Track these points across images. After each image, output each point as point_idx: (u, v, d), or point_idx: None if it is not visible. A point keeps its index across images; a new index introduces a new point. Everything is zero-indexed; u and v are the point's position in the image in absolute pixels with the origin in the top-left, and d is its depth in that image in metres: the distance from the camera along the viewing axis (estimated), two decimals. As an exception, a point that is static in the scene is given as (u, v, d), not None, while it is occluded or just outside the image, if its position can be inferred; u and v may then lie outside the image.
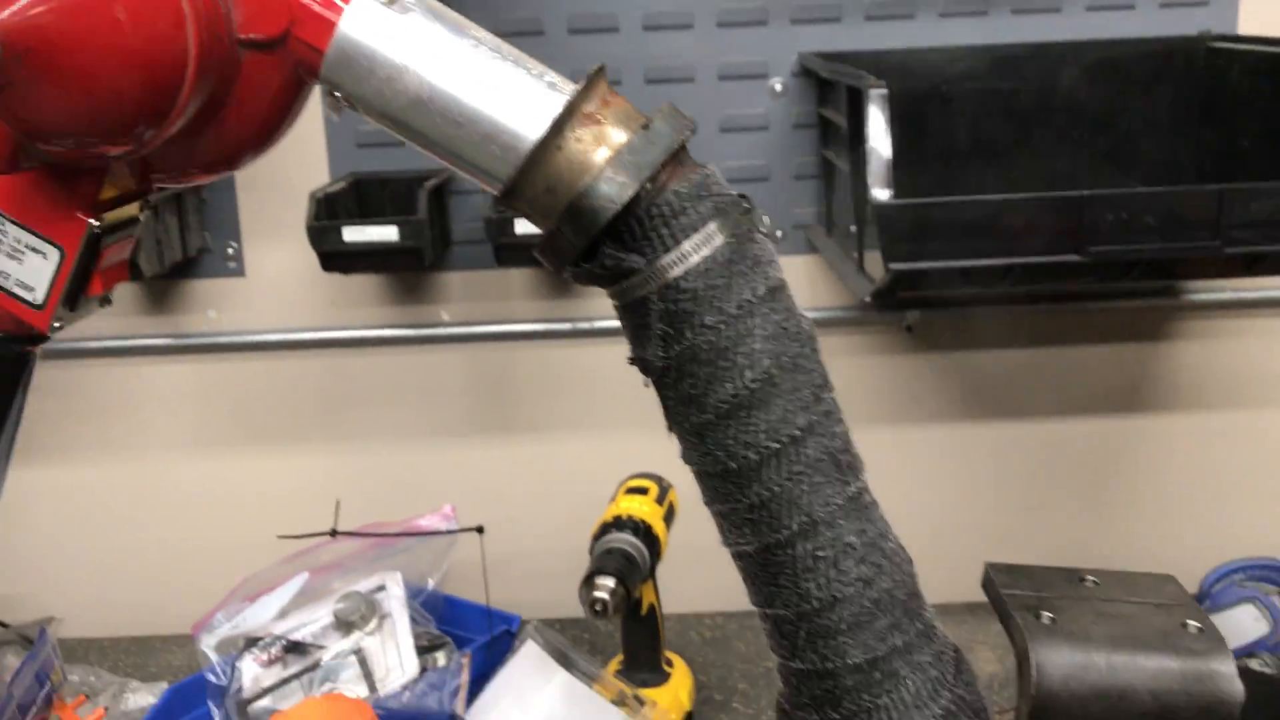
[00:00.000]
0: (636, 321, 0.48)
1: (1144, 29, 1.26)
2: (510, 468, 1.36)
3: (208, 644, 1.08)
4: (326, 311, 1.33)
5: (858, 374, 1.33)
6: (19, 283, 0.53)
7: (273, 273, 1.32)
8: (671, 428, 0.51)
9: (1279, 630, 1.02)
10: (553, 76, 0.47)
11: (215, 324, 1.33)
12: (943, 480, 1.37)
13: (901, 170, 1.17)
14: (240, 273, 1.32)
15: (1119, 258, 0.94)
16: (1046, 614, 0.56)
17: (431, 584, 1.16)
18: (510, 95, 0.45)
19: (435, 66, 0.47)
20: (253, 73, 0.50)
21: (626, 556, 0.98)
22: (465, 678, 1.06)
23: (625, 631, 1.08)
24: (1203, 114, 1.25)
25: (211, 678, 1.06)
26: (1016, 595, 0.58)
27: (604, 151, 0.46)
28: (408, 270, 1.28)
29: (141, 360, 1.33)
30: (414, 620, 1.09)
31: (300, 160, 1.28)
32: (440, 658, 1.07)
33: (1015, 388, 1.34)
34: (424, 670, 1.05)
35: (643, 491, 1.09)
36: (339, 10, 0.48)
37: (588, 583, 0.95)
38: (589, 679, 1.07)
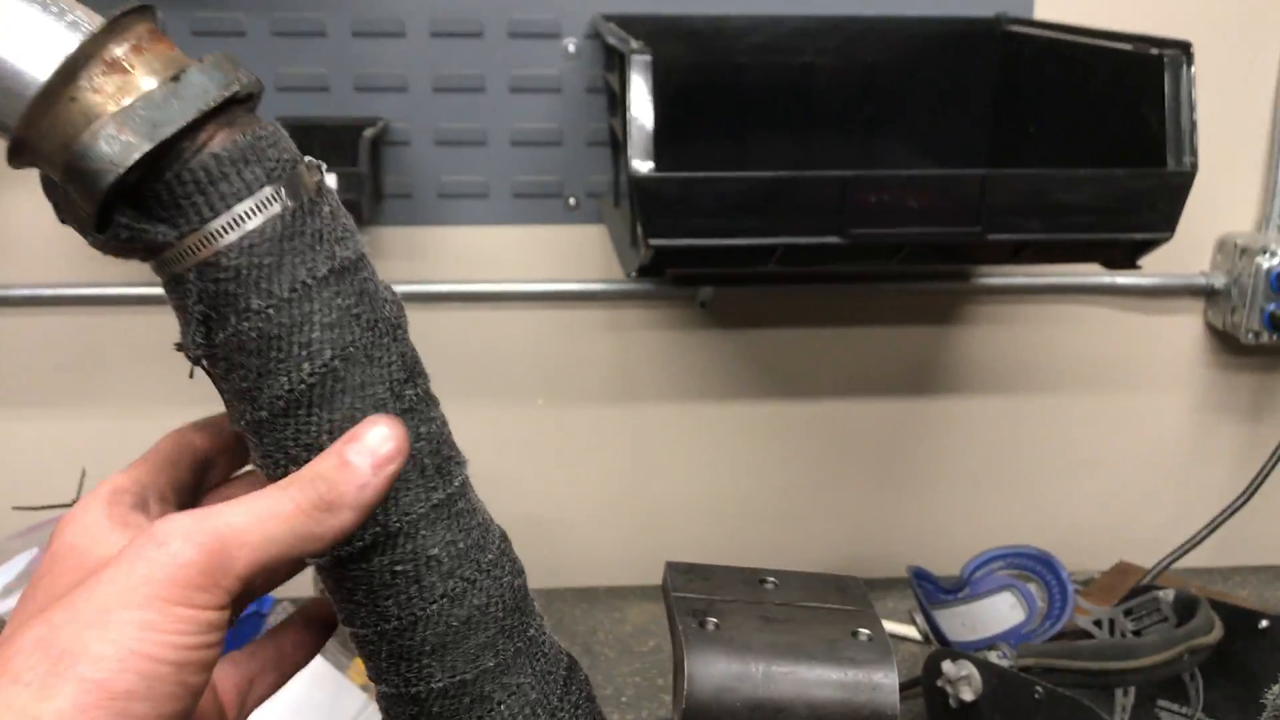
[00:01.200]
0: (176, 302, 0.43)
1: (944, 8, 1.24)
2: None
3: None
4: (85, 266, 1.23)
5: (649, 350, 1.30)
6: None
7: (24, 222, 1.22)
8: (233, 424, 0.45)
9: (1033, 619, 1.03)
10: (80, 14, 0.40)
11: (-44, 276, 1.22)
12: (732, 459, 1.35)
13: (690, 143, 1.13)
14: (-15, 221, 1.21)
15: (878, 241, 0.92)
16: (712, 620, 0.53)
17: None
18: (21, 34, 0.39)
19: None
20: None
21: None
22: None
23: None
24: (998, 98, 1.24)
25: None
26: (687, 598, 0.55)
27: (127, 104, 0.40)
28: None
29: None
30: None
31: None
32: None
33: (807, 367, 1.33)
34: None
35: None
36: None
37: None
38: (339, 666, 1.02)
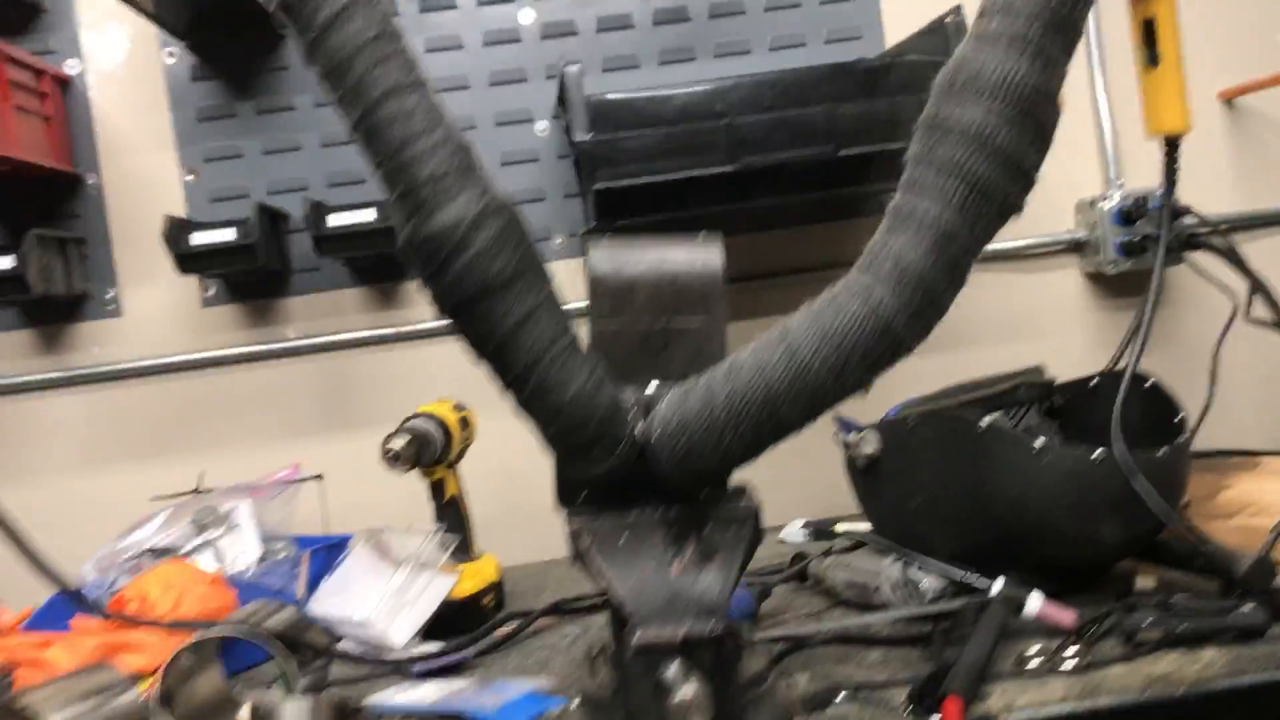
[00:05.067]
0: None
1: (814, 59, 1.64)
2: (350, 458, 1.60)
3: (87, 570, 1.29)
4: (192, 339, 1.60)
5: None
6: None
7: (145, 312, 1.60)
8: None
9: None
10: None
11: (98, 358, 1.60)
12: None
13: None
14: (118, 314, 1.60)
15: (762, 163, 1.27)
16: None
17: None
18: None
19: None
20: None
21: (420, 429, 1.23)
22: (304, 569, 1.28)
23: (436, 519, 1.31)
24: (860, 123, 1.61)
25: (87, 588, 1.26)
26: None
27: None
28: (246, 268, 1.52)
29: (36, 395, 1.58)
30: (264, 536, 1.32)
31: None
32: (282, 552, 1.29)
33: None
34: (267, 558, 1.27)
35: (443, 403, 1.34)
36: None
37: (387, 439, 1.20)
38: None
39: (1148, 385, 1.12)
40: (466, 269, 0.70)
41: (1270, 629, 0.92)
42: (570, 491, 0.82)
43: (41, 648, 1.10)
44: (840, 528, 1.35)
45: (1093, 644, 0.95)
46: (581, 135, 1.27)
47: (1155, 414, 1.10)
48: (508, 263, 0.71)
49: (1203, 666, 0.88)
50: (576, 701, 0.88)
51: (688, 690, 0.71)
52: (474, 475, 1.34)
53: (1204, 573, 1.04)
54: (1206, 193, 1.62)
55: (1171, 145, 1.08)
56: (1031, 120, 0.71)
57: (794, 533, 1.46)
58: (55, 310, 1.58)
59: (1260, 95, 1.69)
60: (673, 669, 0.72)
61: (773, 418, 0.72)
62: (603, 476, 0.77)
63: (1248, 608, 0.94)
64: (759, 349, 0.74)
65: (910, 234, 0.71)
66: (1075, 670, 0.91)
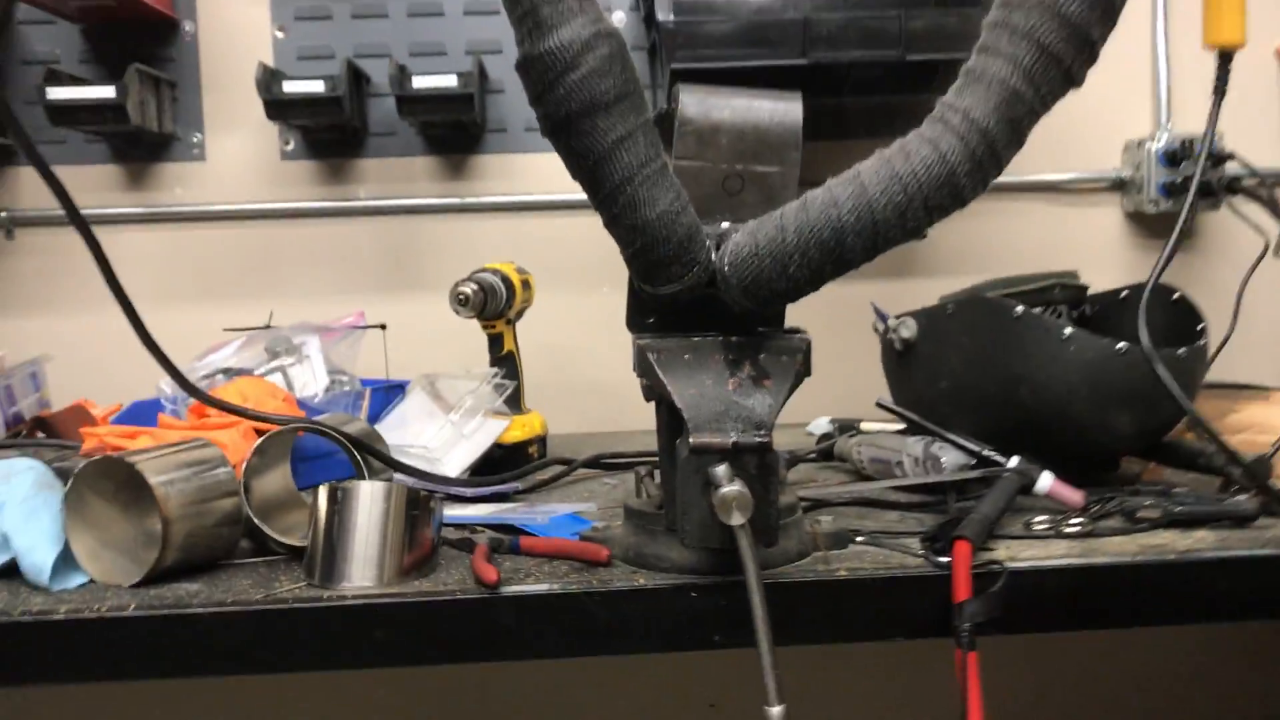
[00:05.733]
0: None
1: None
2: (410, 315, 1.69)
3: (163, 386, 1.39)
4: (269, 189, 1.69)
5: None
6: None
7: (227, 159, 1.69)
8: None
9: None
10: None
11: (180, 198, 1.69)
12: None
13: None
14: (202, 158, 1.68)
15: (832, 60, 1.34)
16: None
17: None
18: None
19: None
20: None
21: (487, 281, 1.32)
22: (365, 403, 1.38)
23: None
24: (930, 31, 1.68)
25: (165, 400, 1.36)
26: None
27: None
28: (331, 120, 1.61)
29: (119, 228, 1.67)
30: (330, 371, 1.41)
31: (251, 69, 1.67)
32: (346, 386, 1.38)
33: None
34: (333, 390, 1.37)
35: (508, 264, 1.43)
36: None
37: (457, 285, 1.28)
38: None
39: (1175, 298, 1.19)
40: (577, 86, 0.77)
41: (1258, 519, 1.01)
42: (641, 314, 0.90)
43: (129, 438, 1.19)
44: (865, 426, 1.44)
45: (1097, 520, 1.03)
46: (665, 15, 1.34)
47: (1180, 325, 1.17)
48: (613, 85, 0.78)
49: (1194, 542, 0.97)
50: (620, 519, 0.97)
51: (734, 488, 0.80)
52: (526, 346, 1.42)
53: (1207, 472, 1.12)
54: (1258, 144, 1.68)
55: (1225, 58, 1.14)
56: None
57: (820, 425, 1.55)
58: (144, 149, 1.67)
59: (1317, 55, 1.74)
60: (722, 469, 0.81)
61: (838, 248, 0.80)
62: (676, 296, 0.85)
63: (1242, 498, 1.02)
64: (832, 185, 0.81)
65: (981, 91, 0.78)
66: (1077, 536, 0.99)
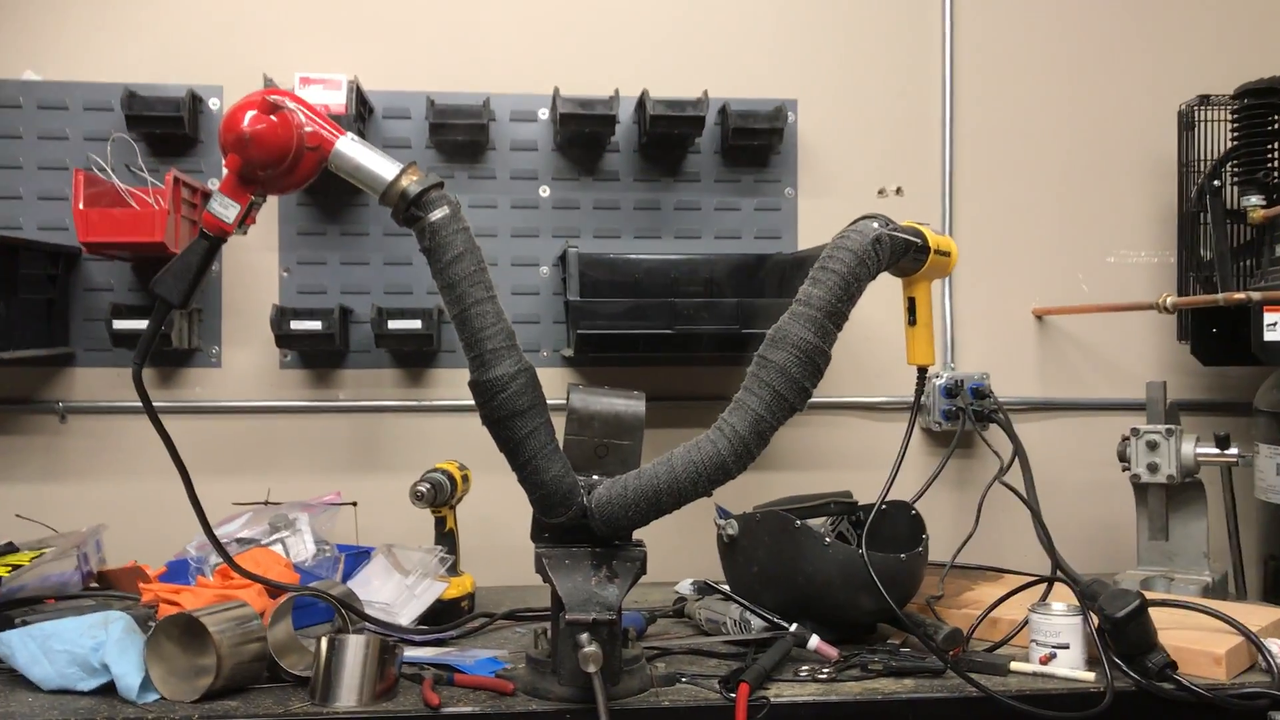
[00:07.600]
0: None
1: (747, 249, 2.28)
2: (376, 493, 2.18)
3: (190, 548, 1.86)
4: (270, 391, 2.19)
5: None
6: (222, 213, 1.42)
7: (238, 367, 2.19)
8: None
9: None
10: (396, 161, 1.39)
11: (199, 395, 2.18)
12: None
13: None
14: (219, 365, 2.19)
15: (689, 332, 1.89)
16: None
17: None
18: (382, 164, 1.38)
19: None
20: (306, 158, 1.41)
21: (438, 479, 1.82)
22: (341, 566, 1.86)
23: (436, 543, 1.89)
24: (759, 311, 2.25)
25: (191, 560, 1.83)
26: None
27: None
28: (324, 349, 2.14)
29: (150, 417, 2.15)
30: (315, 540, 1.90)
31: (260, 300, 2.18)
32: (327, 553, 1.87)
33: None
34: (318, 556, 1.85)
35: (451, 463, 1.93)
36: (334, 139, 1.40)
37: (415, 484, 1.79)
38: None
39: (912, 513, 1.74)
40: (505, 400, 1.32)
41: (945, 673, 1.53)
42: (539, 531, 1.42)
43: (175, 592, 1.67)
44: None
45: (842, 670, 1.54)
46: (574, 296, 1.89)
47: (917, 531, 1.71)
48: (527, 400, 1.33)
49: (899, 687, 1.49)
50: (523, 662, 1.47)
51: (592, 649, 1.30)
52: (464, 517, 1.93)
53: (924, 639, 1.65)
54: (1019, 382, 2.28)
55: (922, 372, 1.70)
56: (812, 364, 1.34)
57: (684, 586, 2.06)
58: (174, 357, 2.17)
59: (1062, 316, 2.35)
60: (584, 636, 1.31)
61: (657, 504, 1.34)
62: (561, 524, 1.38)
63: (935, 660, 1.54)
64: (657, 464, 1.35)
65: (740, 414, 1.33)
66: (825, 681, 1.51)
